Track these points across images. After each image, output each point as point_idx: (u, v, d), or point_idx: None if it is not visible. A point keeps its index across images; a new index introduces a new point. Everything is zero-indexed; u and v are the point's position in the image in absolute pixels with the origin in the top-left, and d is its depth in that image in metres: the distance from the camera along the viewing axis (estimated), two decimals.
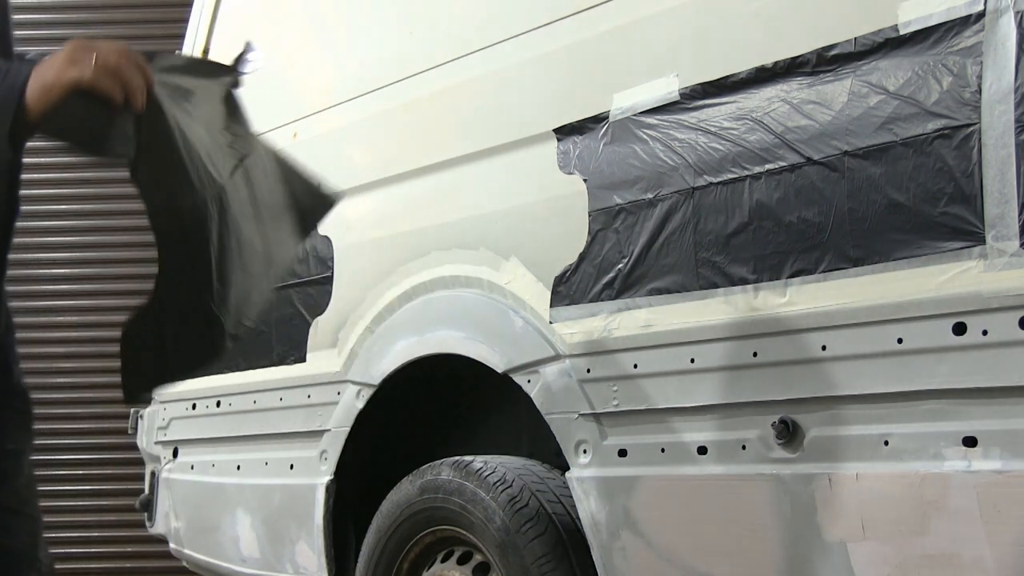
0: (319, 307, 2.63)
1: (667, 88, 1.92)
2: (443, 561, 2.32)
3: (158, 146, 1.55)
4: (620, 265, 1.95)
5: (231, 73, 1.78)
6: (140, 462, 3.48)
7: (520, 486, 2.13)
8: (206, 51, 3.27)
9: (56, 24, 5.23)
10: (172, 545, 3.22)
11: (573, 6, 2.11)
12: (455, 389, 2.54)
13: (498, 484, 2.15)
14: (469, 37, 2.34)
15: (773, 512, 1.72)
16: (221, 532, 2.91)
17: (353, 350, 2.52)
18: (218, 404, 2.93)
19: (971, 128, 1.52)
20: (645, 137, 1.94)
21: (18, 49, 1.66)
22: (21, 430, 1.67)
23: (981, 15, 1.52)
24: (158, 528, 3.26)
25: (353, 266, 2.57)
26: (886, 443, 1.59)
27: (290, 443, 2.68)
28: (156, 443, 3.23)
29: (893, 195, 1.59)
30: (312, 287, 2.66)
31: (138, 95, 1.43)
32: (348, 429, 2.51)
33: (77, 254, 5.36)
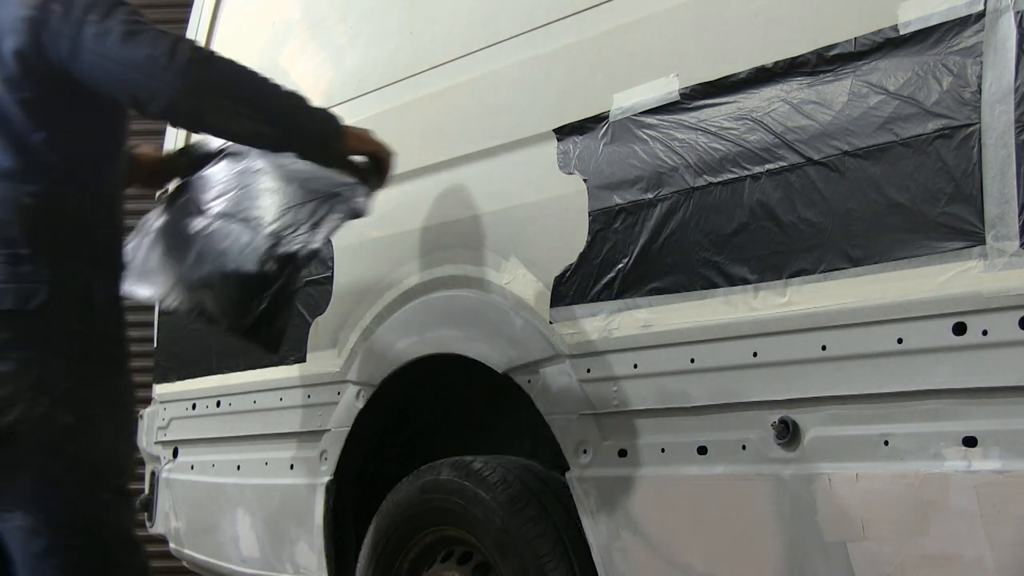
0: (319, 307, 2.63)
1: (667, 88, 1.92)
2: (443, 561, 2.32)
3: None
4: (620, 265, 1.95)
5: None
6: (140, 462, 3.48)
7: (520, 486, 2.13)
8: None
9: None
10: (172, 545, 3.22)
11: (573, 6, 2.11)
12: (455, 389, 2.54)
13: (498, 484, 2.15)
14: (469, 37, 2.34)
15: (773, 512, 1.72)
16: (221, 532, 2.91)
17: (353, 350, 2.52)
18: (218, 404, 2.93)
19: (971, 128, 1.52)
20: (645, 137, 1.94)
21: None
22: None
23: (981, 15, 1.52)
24: (158, 528, 3.26)
25: (353, 266, 2.57)
26: (886, 443, 1.59)
27: (290, 443, 2.68)
28: (156, 443, 3.23)
29: (893, 195, 1.59)
30: (312, 287, 2.66)
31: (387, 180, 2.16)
32: (348, 429, 2.51)
33: None
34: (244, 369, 2.84)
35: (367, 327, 2.49)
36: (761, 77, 1.78)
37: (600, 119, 2.03)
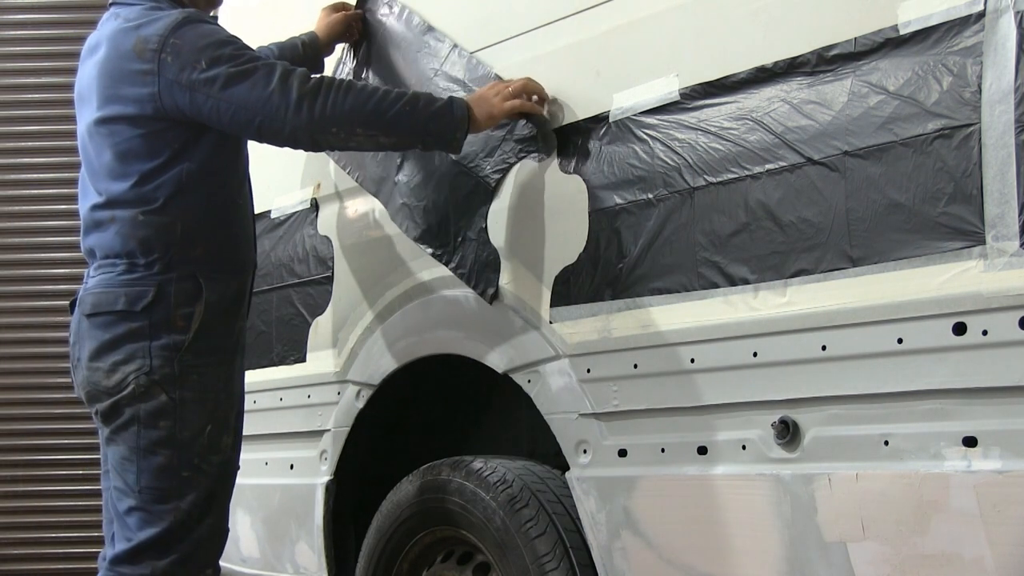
0: (319, 307, 2.63)
1: (667, 88, 1.92)
2: (443, 561, 2.32)
3: None
4: (620, 265, 1.96)
5: None
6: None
7: (520, 486, 2.13)
8: None
9: (55, 24, 5.23)
10: None
11: (573, 6, 2.11)
12: (455, 389, 2.54)
13: (498, 484, 2.15)
14: (469, 38, 2.34)
15: (773, 512, 1.72)
16: None
17: (353, 350, 2.52)
18: None
19: (971, 128, 1.52)
20: (645, 137, 1.94)
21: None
22: None
23: (981, 15, 1.53)
24: None
25: (353, 266, 2.57)
26: (886, 443, 1.59)
27: (290, 443, 2.68)
28: None
29: (893, 195, 1.59)
30: (312, 287, 2.66)
31: (542, 110, 2.14)
32: (348, 429, 2.51)
33: (78, 254, 5.35)
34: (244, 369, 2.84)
35: (367, 327, 2.49)
36: (761, 77, 1.79)
37: (600, 119, 2.03)
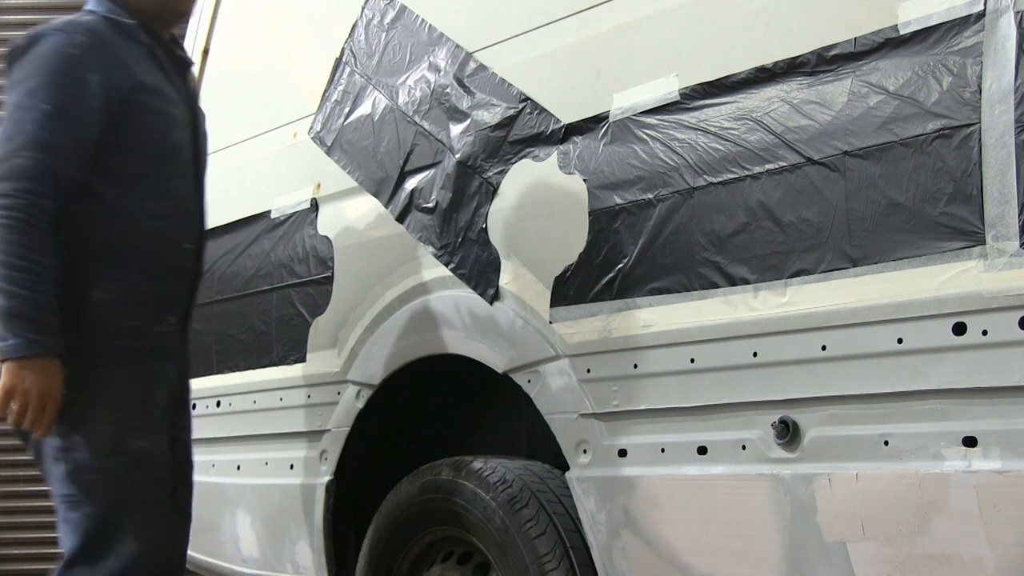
0: (319, 307, 2.63)
1: (667, 88, 1.92)
2: (443, 561, 2.32)
3: None
4: (620, 265, 1.95)
5: None
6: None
7: (520, 486, 2.13)
8: (206, 51, 3.27)
9: None
10: None
11: (573, 6, 2.11)
12: (455, 389, 2.54)
13: (498, 484, 2.15)
14: (469, 38, 2.34)
15: (773, 512, 1.72)
16: (221, 532, 2.90)
17: (353, 350, 2.52)
18: (218, 404, 2.93)
19: (971, 128, 1.52)
20: (645, 137, 1.94)
21: None
22: None
23: (981, 15, 1.53)
24: None
25: (353, 266, 2.57)
26: (886, 443, 1.59)
27: (290, 443, 2.68)
28: None
29: (893, 195, 1.59)
30: (312, 287, 2.66)
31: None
32: (348, 429, 2.51)
33: None
34: (244, 369, 2.84)
35: (367, 327, 2.49)
36: (761, 77, 1.78)
37: (600, 119, 2.03)
